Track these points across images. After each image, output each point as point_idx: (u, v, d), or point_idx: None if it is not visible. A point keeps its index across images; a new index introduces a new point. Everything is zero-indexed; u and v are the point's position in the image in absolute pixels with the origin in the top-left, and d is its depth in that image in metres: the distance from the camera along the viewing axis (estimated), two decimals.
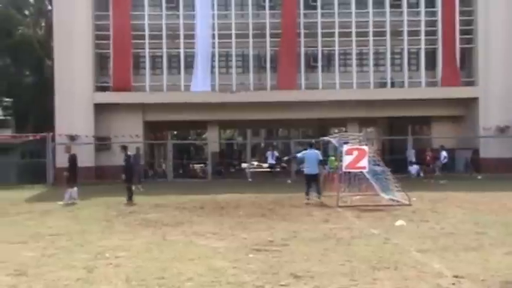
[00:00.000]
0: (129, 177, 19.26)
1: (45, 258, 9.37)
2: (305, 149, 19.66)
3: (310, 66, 33.36)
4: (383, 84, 33.28)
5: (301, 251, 9.68)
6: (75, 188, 18.94)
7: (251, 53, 32.77)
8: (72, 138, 29.61)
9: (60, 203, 18.36)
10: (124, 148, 20.03)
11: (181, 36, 32.23)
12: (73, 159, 19.39)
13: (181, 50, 32.42)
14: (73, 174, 19.20)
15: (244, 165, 41.11)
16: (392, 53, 33.46)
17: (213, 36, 32.27)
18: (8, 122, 42.62)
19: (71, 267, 8.58)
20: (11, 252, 9.90)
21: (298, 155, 19.09)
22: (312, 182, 18.42)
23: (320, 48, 32.69)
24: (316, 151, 19.03)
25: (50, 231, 12.51)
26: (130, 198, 18.79)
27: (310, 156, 18.52)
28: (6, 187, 25.77)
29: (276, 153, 34.63)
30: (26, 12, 43.60)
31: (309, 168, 18.39)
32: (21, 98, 42.37)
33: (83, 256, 9.42)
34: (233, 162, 45.76)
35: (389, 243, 10.38)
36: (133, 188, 19.53)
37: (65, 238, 11.48)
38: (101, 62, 33.47)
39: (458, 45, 32.59)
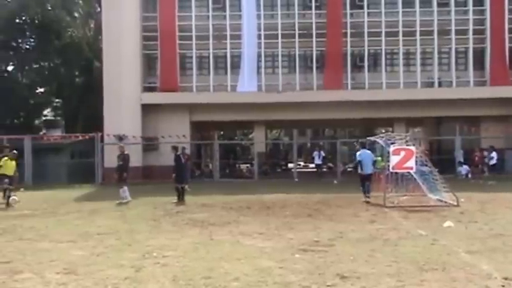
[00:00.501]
0: (179, 177, 19.48)
1: (94, 257, 9.48)
2: (357, 150, 19.59)
3: (357, 66, 33.19)
4: (430, 84, 32.86)
5: (348, 251, 9.62)
6: (126, 187, 19.17)
7: (297, 53, 32.75)
8: (120, 138, 29.98)
9: (118, 202, 18.66)
10: (175, 148, 20.23)
11: (228, 37, 32.41)
12: (126, 159, 19.63)
13: (228, 51, 32.61)
14: (126, 174, 19.43)
15: (290, 165, 41.06)
16: (440, 53, 33.04)
17: (259, 36, 32.37)
18: (58, 123, 43.45)
19: (119, 266, 8.67)
20: (61, 251, 10.02)
21: (358, 158, 18.96)
22: (366, 181, 18.45)
23: (366, 48, 32.50)
24: (369, 151, 19.01)
25: (99, 230, 12.66)
26: (181, 198, 19.02)
27: (365, 157, 18.60)
28: (56, 187, 26.30)
29: (323, 153, 34.45)
30: (76, 15, 44.47)
31: (364, 168, 18.46)
32: (71, 98, 43.22)
33: (131, 255, 9.51)
34: (279, 162, 45.72)
35: (436, 244, 10.23)
36: (186, 187, 19.73)
37: (113, 237, 11.59)
38: (148, 62, 34.00)
39: (507, 44, 31.91)
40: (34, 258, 9.41)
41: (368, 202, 17.73)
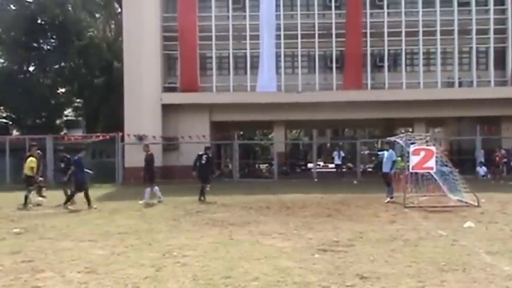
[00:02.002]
0: (204, 176, 19.70)
1: (115, 256, 9.52)
2: (382, 150, 19.57)
3: (377, 66, 33.10)
4: (450, 84, 32.67)
5: (368, 251, 9.59)
6: (156, 187, 19.21)
7: (317, 53, 32.72)
8: (140, 138, 30.15)
9: (141, 202, 18.68)
10: (207, 149, 20.53)
11: (248, 37, 32.48)
12: (150, 159, 19.67)
13: (248, 51, 32.69)
14: (151, 173, 19.49)
15: (310, 165, 41.02)
16: (460, 52, 32.86)
17: (279, 36, 32.37)
18: (79, 122, 43.84)
19: (139, 265, 8.70)
20: (82, 250, 10.08)
21: (393, 157, 18.89)
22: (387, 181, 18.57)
23: (386, 48, 32.40)
24: (390, 151, 19.00)
25: (119, 229, 12.71)
26: (203, 197, 19.23)
27: (386, 156, 18.71)
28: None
29: (342, 153, 34.40)
30: (96, 15, 44.83)
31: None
32: (92, 98, 43.54)
33: (151, 254, 9.54)
34: (299, 163, 45.67)
35: (457, 245, 10.17)
36: (207, 187, 19.83)
37: (133, 237, 11.63)
38: (168, 63, 34.18)
39: None
40: (56, 257, 9.48)
41: (389, 202, 17.69)
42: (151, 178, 19.40)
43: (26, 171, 19.01)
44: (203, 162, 19.83)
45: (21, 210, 17.67)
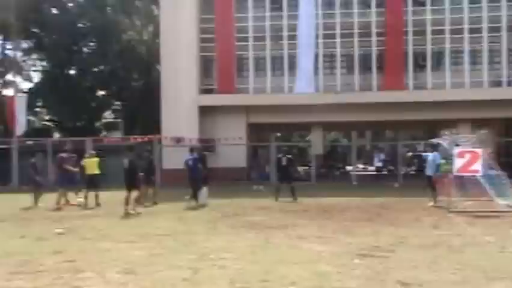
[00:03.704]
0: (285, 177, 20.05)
1: (153, 257, 9.60)
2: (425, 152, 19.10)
3: (419, 66, 32.55)
4: (498, 83, 31.93)
5: (409, 257, 9.28)
6: (205, 189, 19.20)
7: (356, 52, 32.39)
8: (178, 140, 30.24)
9: (199, 202, 18.78)
10: (286, 152, 20.70)
11: (285, 37, 32.24)
12: (202, 160, 19.56)
13: (285, 51, 32.56)
14: (205, 174, 19.44)
15: (348, 168, 40.52)
16: (509, 50, 31.97)
17: (317, 36, 32.07)
18: (118, 125, 44.41)
19: (177, 267, 8.74)
20: (121, 251, 10.23)
21: (438, 160, 18.40)
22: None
23: (429, 47, 31.93)
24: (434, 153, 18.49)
25: (157, 231, 12.79)
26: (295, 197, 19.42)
27: (434, 159, 18.23)
28: (116, 188, 26.61)
29: (383, 156, 33.78)
30: (135, 18, 45.28)
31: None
32: (130, 101, 44.09)
33: (189, 257, 9.55)
34: (337, 165, 45.30)
35: (505, 252, 9.78)
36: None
37: (171, 238, 11.72)
38: (205, 65, 34.14)
39: None
40: (95, 257, 9.67)
41: (433, 207, 17.19)
42: (205, 178, 19.40)
43: (91, 171, 19.34)
44: (283, 164, 20.28)
45: (85, 209, 18.24)
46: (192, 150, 19.99)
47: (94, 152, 20.80)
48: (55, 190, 19.33)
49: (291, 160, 20.87)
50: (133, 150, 18.22)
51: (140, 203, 17.95)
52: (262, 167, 33.30)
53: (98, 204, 18.81)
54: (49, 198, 19.29)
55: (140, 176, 17.87)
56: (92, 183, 19.25)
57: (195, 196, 18.60)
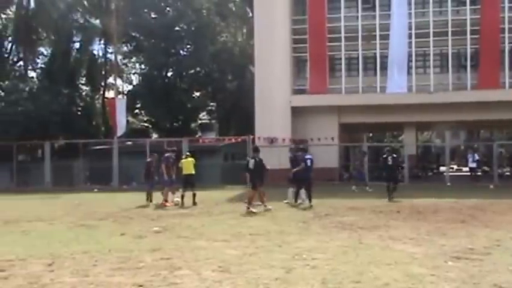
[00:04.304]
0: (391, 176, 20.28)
1: (247, 256, 9.69)
2: None
3: None
4: None
5: (506, 261, 9.05)
6: (293, 189, 19.29)
7: (450, 51, 31.68)
8: (271, 141, 30.52)
9: (286, 201, 19.19)
10: (391, 151, 20.94)
11: (377, 37, 32.04)
12: (294, 159, 19.67)
13: (377, 51, 32.29)
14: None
15: (442, 168, 39.64)
16: None
17: (410, 35, 31.62)
18: (212, 126, 45.34)
19: (270, 266, 8.80)
20: (215, 250, 10.39)
21: None
22: None
23: None
24: None
25: (251, 230, 12.91)
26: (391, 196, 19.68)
27: None
28: (210, 187, 27.31)
29: (477, 156, 32.85)
30: (229, 20, 46.12)
31: None
32: (224, 102, 44.93)
33: (281, 256, 9.61)
34: (431, 166, 44.34)
35: None
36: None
37: (264, 238, 11.78)
38: (298, 65, 34.44)
39: None
40: (191, 255, 9.83)
41: None
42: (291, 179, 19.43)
43: (187, 171, 19.80)
44: (389, 163, 20.62)
45: (181, 209, 18.59)
46: (305, 150, 20.35)
47: (189, 152, 21.41)
48: (161, 189, 20.23)
49: (397, 159, 20.81)
50: (258, 151, 18.41)
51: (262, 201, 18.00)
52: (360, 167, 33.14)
53: (194, 204, 19.13)
54: (158, 197, 20.14)
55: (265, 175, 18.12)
56: (189, 182, 19.68)
57: (309, 197, 18.58)
